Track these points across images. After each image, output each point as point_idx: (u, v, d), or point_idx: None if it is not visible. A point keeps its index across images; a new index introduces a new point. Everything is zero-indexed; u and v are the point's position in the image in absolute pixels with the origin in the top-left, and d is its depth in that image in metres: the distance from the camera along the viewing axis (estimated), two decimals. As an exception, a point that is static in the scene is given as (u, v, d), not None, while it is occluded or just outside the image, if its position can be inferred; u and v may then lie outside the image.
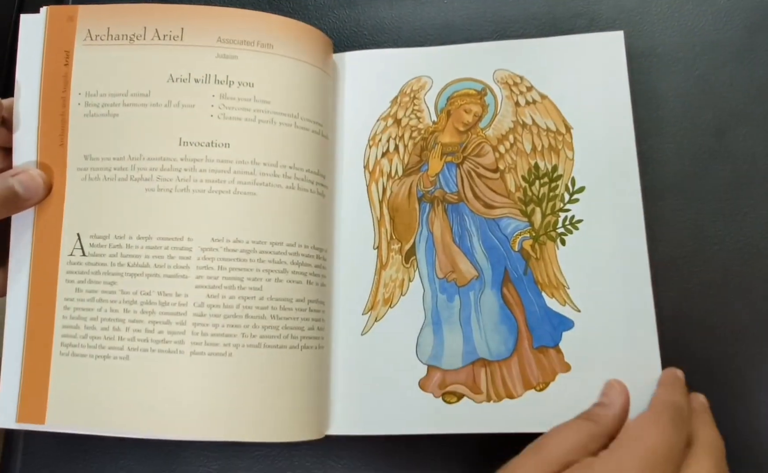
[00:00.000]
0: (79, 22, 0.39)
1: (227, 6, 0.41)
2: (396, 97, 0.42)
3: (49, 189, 0.37)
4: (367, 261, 0.40)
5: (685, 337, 0.39)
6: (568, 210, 0.39)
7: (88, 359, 0.36)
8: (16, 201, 0.36)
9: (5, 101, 0.38)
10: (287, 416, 0.36)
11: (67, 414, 0.36)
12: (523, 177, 0.40)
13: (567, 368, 0.37)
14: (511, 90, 0.41)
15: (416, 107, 0.41)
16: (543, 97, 0.40)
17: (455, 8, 0.45)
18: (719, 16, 0.43)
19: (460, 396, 0.37)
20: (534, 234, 0.39)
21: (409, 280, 0.39)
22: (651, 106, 0.42)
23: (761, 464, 0.37)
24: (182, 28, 0.38)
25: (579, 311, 0.38)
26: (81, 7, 0.39)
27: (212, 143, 0.37)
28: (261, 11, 0.39)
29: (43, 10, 0.39)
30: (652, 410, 0.34)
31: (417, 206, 0.40)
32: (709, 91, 0.42)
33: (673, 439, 0.31)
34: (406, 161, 0.41)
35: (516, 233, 0.39)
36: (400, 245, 0.40)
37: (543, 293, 0.38)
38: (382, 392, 0.38)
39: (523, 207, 0.39)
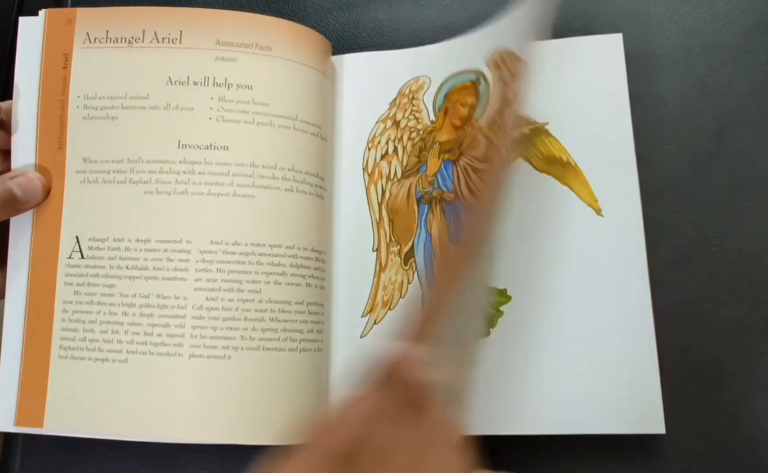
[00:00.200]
0: (78, 25, 0.39)
1: (225, 9, 0.41)
2: (395, 99, 0.42)
3: (47, 192, 0.37)
4: (366, 264, 0.40)
5: (685, 338, 0.38)
6: (567, 211, 0.39)
7: (87, 362, 0.36)
8: (15, 204, 0.36)
9: (4, 104, 0.38)
10: (286, 419, 0.36)
11: (65, 418, 0.36)
12: None
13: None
14: (501, 70, 0.40)
15: (415, 108, 0.41)
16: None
17: (454, 10, 0.45)
18: (718, 18, 0.43)
19: None
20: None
21: (408, 282, 0.39)
22: (650, 108, 0.42)
23: (762, 465, 0.37)
24: (181, 31, 0.38)
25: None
26: (80, 10, 0.39)
27: (211, 145, 0.37)
28: (259, 14, 0.39)
29: (42, 12, 0.39)
30: None
31: (416, 207, 0.40)
32: (707, 93, 0.42)
33: None
34: (405, 162, 0.41)
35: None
36: (399, 247, 0.40)
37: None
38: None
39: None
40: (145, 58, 0.38)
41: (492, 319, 0.38)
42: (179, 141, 0.37)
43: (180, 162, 0.37)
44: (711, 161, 0.41)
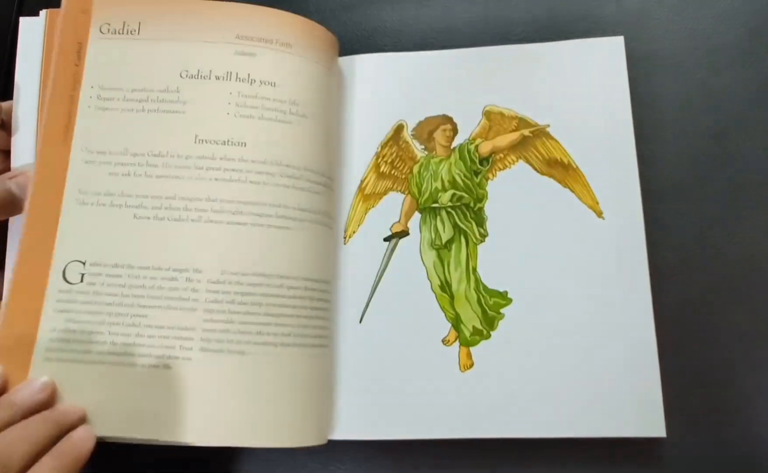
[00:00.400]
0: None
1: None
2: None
3: None
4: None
5: (686, 342, 0.38)
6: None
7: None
8: (14, 203, 0.36)
9: (4, 104, 0.37)
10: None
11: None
12: None
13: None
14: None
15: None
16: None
17: (457, 12, 0.45)
18: (720, 21, 0.43)
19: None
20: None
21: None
22: (652, 110, 0.42)
23: (763, 470, 0.37)
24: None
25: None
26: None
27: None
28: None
29: (43, 12, 0.38)
30: None
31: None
32: (710, 95, 0.42)
33: None
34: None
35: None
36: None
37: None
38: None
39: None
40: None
41: (493, 321, 0.38)
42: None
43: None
44: (713, 163, 0.41)
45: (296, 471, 0.40)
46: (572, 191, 0.39)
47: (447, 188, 0.40)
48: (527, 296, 0.38)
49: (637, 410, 0.36)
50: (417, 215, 0.40)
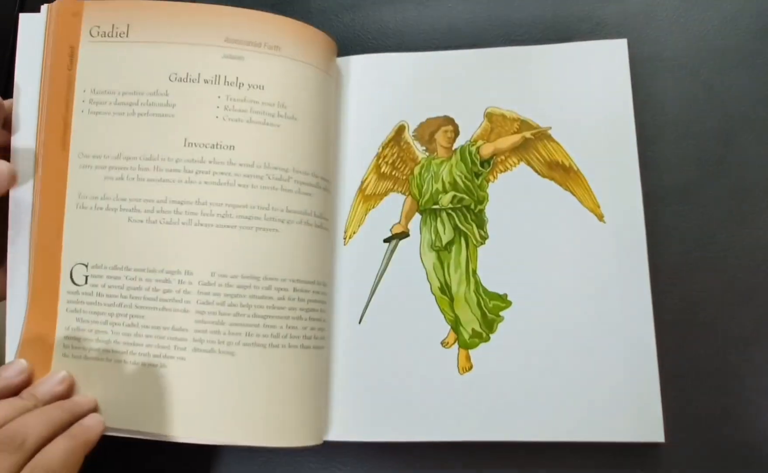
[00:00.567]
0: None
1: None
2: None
3: (13, 180, 0.36)
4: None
5: (689, 344, 0.38)
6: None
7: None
8: None
9: (6, 102, 0.37)
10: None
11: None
12: None
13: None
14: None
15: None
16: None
17: (460, 12, 0.45)
18: (725, 22, 0.43)
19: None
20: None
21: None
22: (656, 111, 0.42)
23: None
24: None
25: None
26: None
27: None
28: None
29: (44, 7, 0.38)
30: None
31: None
32: (714, 97, 0.42)
33: None
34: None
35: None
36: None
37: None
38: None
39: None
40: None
41: (492, 324, 0.38)
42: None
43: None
44: (718, 165, 0.41)
45: (296, 471, 0.40)
46: (573, 194, 0.39)
47: (448, 190, 0.40)
48: (527, 299, 0.38)
49: (635, 415, 0.36)
50: (417, 217, 0.40)
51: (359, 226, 0.40)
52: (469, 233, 0.39)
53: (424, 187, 0.40)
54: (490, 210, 0.40)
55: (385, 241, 0.40)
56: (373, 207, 0.41)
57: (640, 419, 0.36)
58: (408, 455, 0.39)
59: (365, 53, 0.43)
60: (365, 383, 0.38)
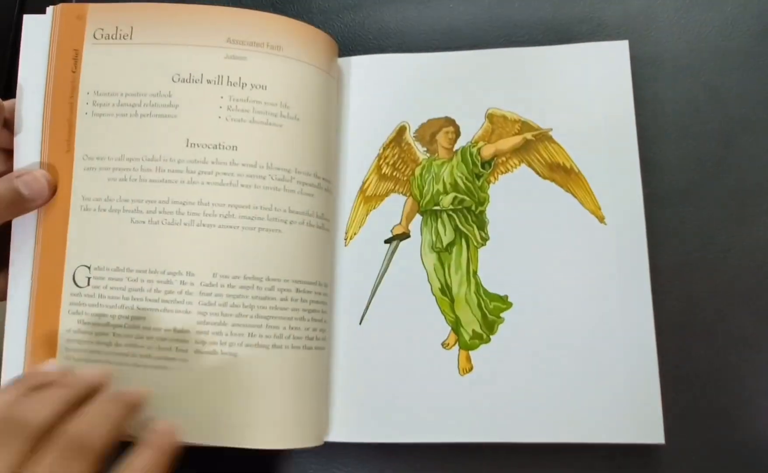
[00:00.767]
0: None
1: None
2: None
3: (54, 190, 0.37)
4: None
5: (690, 345, 0.38)
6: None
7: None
8: (22, 203, 0.36)
9: (7, 103, 0.37)
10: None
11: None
12: None
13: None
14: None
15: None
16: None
17: (461, 13, 0.45)
18: (726, 23, 0.43)
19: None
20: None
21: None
22: (657, 113, 0.42)
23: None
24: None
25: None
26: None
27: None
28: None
29: (50, 9, 0.38)
30: None
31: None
32: (715, 98, 0.42)
33: None
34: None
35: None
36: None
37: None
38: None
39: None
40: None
41: (493, 325, 0.38)
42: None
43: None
44: (719, 166, 0.41)
45: (297, 472, 0.40)
46: (574, 196, 0.39)
47: (448, 191, 0.40)
48: (527, 301, 0.38)
49: (636, 416, 0.36)
50: (418, 218, 0.40)
51: (360, 227, 0.40)
52: (469, 235, 0.40)
53: (425, 188, 0.41)
54: (490, 211, 0.40)
55: (386, 242, 0.40)
56: (374, 208, 0.41)
57: (640, 420, 0.36)
58: (408, 456, 0.39)
59: (366, 54, 0.43)
60: (366, 384, 0.38)
